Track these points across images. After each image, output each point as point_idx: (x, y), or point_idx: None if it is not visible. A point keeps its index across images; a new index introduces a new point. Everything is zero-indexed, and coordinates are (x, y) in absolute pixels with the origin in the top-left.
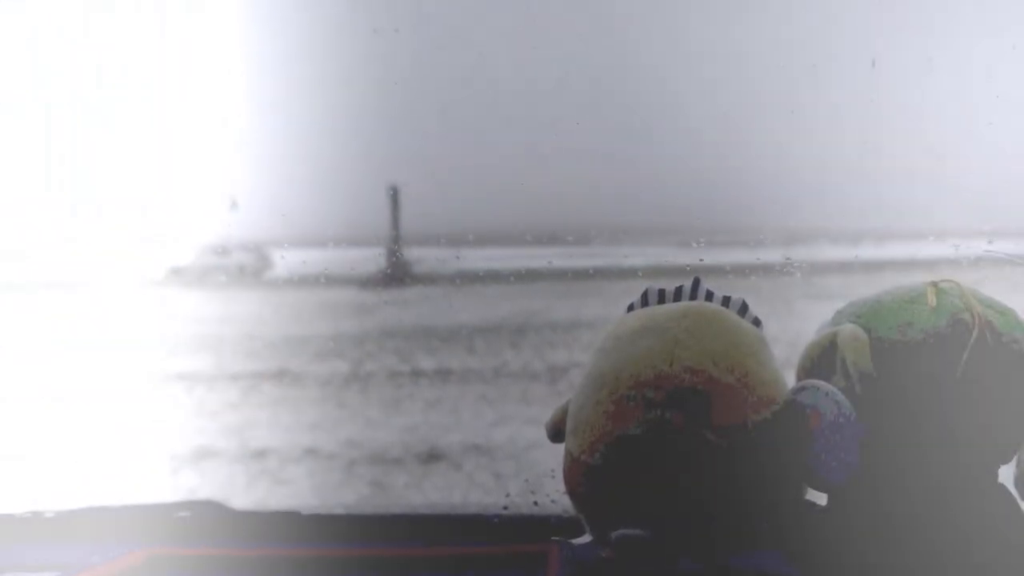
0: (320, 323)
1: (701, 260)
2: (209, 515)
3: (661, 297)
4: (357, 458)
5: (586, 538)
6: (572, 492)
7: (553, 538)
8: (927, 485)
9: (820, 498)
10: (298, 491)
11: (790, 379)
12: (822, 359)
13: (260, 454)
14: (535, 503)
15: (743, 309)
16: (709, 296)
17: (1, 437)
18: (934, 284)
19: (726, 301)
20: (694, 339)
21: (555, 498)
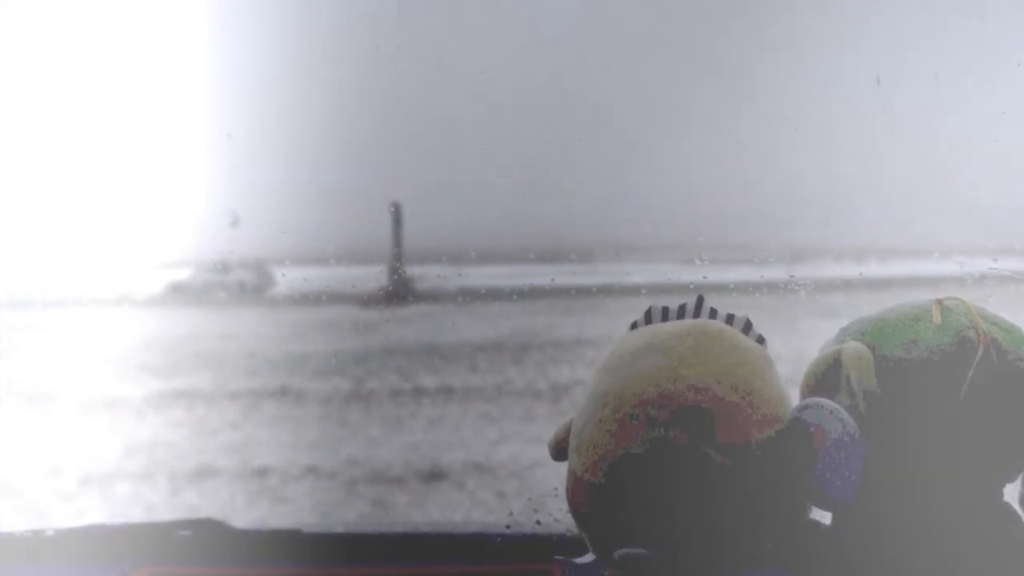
0: (321, 341)
1: (705, 278)
2: (210, 534)
3: (664, 315)
4: (358, 476)
5: (589, 557)
6: (575, 511)
7: (556, 557)
8: (931, 503)
9: (824, 517)
10: (299, 509)
11: (794, 397)
12: (826, 377)
13: (261, 472)
14: (538, 522)
15: (747, 327)
16: (713, 314)
17: (2, 454)
18: (939, 302)
19: (730, 319)
20: (698, 357)
21: (558, 517)
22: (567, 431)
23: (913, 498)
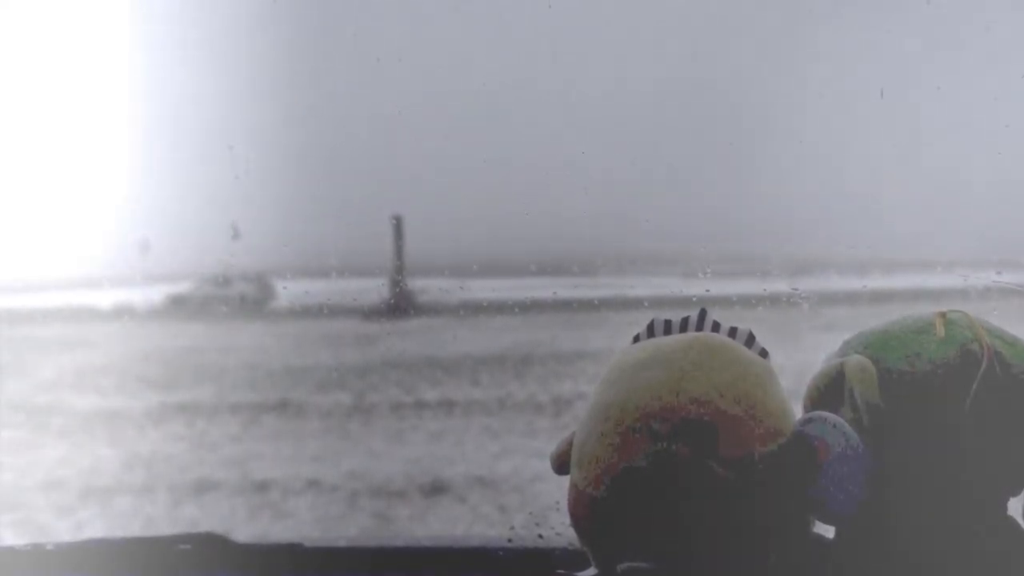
0: (323, 354)
1: (707, 291)
2: (210, 548)
3: (667, 328)
4: (360, 490)
5: (591, 571)
6: (577, 525)
7: (558, 571)
8: (935, 517)
9: (828, 531)
10: (300, 523)
11: (797, 410)
12: (830, 390)
13: (262, 486)
14: (540, 536)
15: (750, 340)
16: (715, 327)
17: (2, 467)
18: (942, 314)
19: (733, 332)
20: (700, 370)
21: (560, 531)
22: (569, 444)
23: (916, 512)
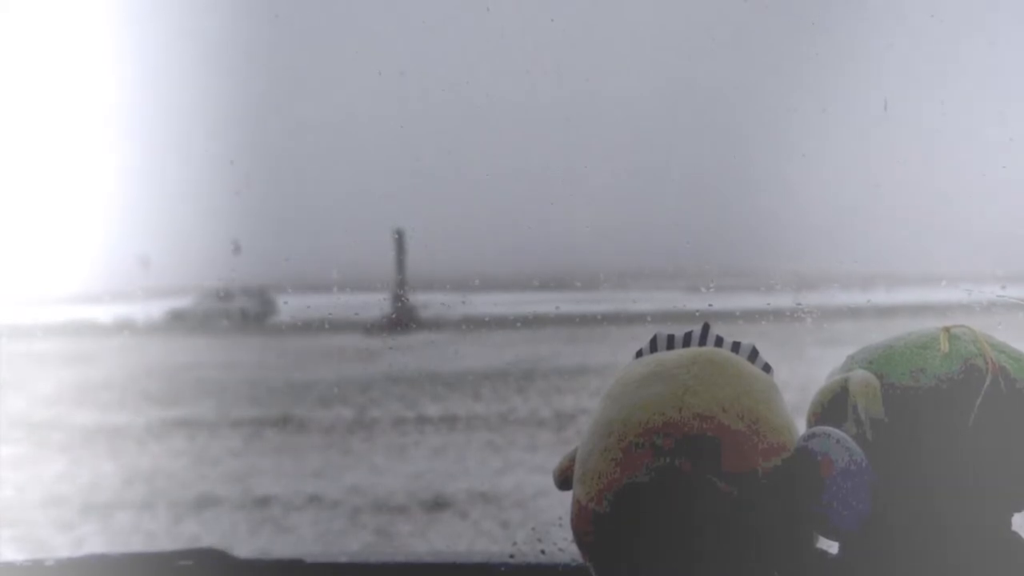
0: (324, 369)
1: (710, 305)
2: (211, 564)
3: (670, 343)
4: (361, 506)
5: None
6: (580, 540)
7: None
8: (939, 533)
9: (831, 546)
10: (302, 539)
11: (801, 425)
12: (833, 405)
13: (263, 502)
14: (542, 551)
15: (753, 355)
16: (719, 342)
17: (2, 483)
18: (947, 329)
19: (736, 347)
20: (703, 385)
21: (563, 546)
22: (572, 460)
23: (920, 527)
